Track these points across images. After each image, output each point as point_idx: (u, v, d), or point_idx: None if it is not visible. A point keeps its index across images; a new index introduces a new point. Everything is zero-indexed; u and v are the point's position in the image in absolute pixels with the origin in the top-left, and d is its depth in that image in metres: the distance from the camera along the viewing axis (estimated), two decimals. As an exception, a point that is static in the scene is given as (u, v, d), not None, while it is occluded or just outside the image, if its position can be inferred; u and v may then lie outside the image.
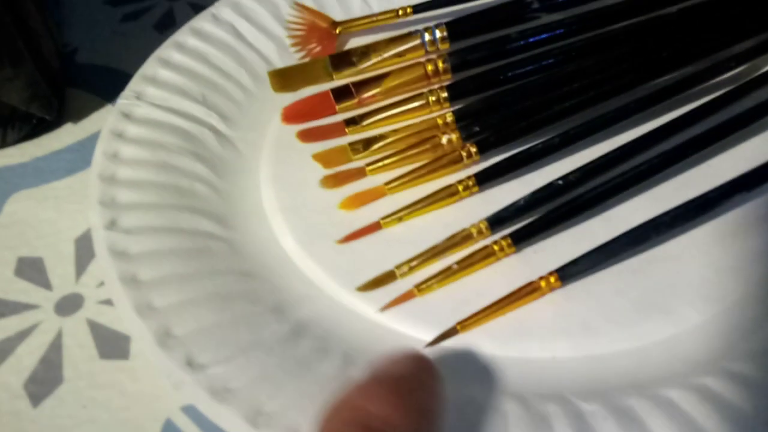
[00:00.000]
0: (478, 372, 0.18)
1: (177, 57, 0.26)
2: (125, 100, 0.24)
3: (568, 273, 0.19)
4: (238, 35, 0.27)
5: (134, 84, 0.25)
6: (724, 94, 0.23)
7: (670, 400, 0.16)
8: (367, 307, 0.20)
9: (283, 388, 0.17)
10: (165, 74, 0.25)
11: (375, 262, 0.21)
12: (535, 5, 0.26)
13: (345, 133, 0.25)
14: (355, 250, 0.21)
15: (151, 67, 0.25)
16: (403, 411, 0.12)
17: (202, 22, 0.27)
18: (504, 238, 0.20)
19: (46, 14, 0.28)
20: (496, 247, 0.20)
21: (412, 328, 0.19)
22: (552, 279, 0.19)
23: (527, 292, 0.19)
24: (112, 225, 0.20)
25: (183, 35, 0.27)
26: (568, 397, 0.16)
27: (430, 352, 0.18)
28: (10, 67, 0.24)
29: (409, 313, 0.19)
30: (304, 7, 0.29)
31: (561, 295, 0.19)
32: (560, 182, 0.21)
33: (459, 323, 0.18)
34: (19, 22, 0.24)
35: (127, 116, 0.23)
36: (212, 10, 0.28)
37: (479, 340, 0.18)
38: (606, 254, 0.19)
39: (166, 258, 0.20)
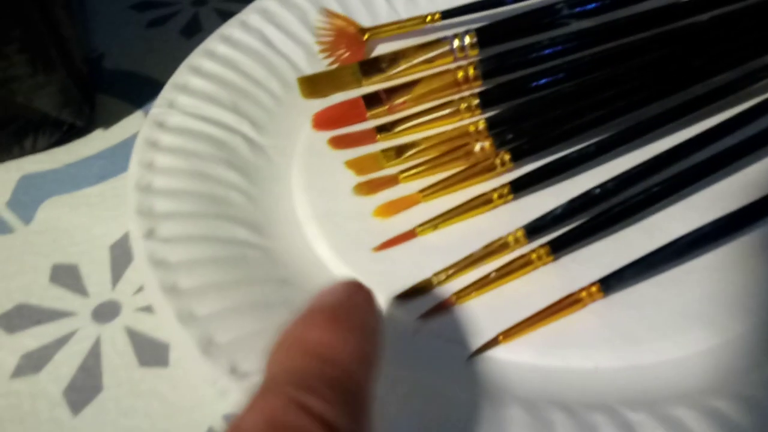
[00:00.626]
0: (520, 381, 0.18)
1: (208, 65, 0.26)
2: (158, 108, 0.24)
3: (611, 284, 0.19)
4: (267, 42, 0.27)
5: (166, 92, 0.25)
6: (761, 103, 0.23)
7: (717, 411, 0.16)
8: (405, 316, 0.20)
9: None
10: (196, 82, 0.25)
11: (411, 270, 0.21)
12: (565, 12, 0.26)
13: (376, 140, 0.25)
14: (391, 258, 0.21)
15: (182, 75, 0.25)
16: (341, 334, 0.13)
17: (231, 29, 0.27)
18: (542, 246, 0.20)
19: (74, 20, 0.28)
20: (534, 256, 0.20)
21: (452, 337, 0.19)
22: (594, 289, 0.19)
23: (569, 303, 0.19)
24: (150, 234, 0.20)
25: (213, 42, 0.27)
26: (614, 407, 0.16)
27: (471, 363, 0.18)
28: (42, 73, 0.24)
29: (447, 321, 0.19)
30: (331, 13, 0.29)
31: (602, 305, 0.19)
32: (597, 191, 0.21)
33: (501, 334, 0.18)
34: (52, 29, 0.24)
35: (160, 125, 0.24)
36: (241, 16, 0.28)
37: (520, 349, 0.18)
38: (650, 265, 0.19)
39: (204, 266, 0.20)
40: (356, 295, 0.14)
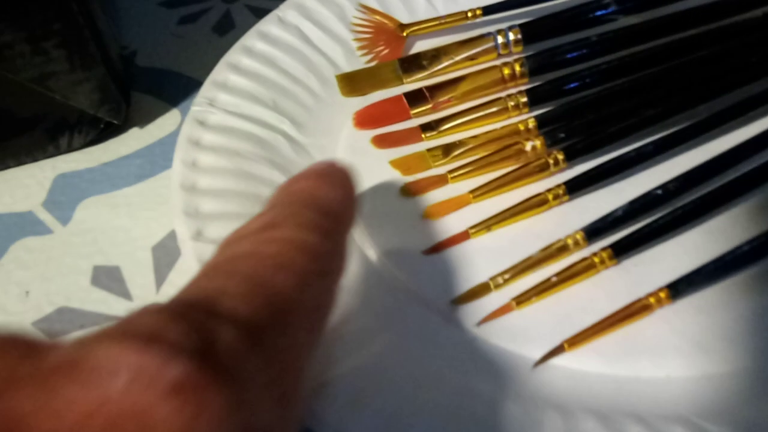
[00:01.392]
0: (589, 392, 0.17)
1: (246, 62, 0.25)
2: (198, 107, 0.23)
3: (681, 289, 0.18)
4: (305, 38, 0.27)
5: (206, 90, 0.24)
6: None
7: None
8: (462, 321, 0.19)
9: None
10: (235, 80, 0.25)
11: (466, 274, 0.20)
12: (612, 7, 0.26)
13: (421, 139, 0.24)
14: (443, 261, 0.21)
15: (221, 72, 0.25)
16: (327, 184, 0.16)
17: (268, 25, 0.27)
18: (604, 249, 0.19)
19: (108, 15, 0.28)
20: (596, 259, 0.19)
21: (513, 344, 0.18)
22: (662, 295, 0.18)
23: (637, 309, 0.18)
24: (198, 236, 0.19)
25: (251, 39, 0.26)
26: (692, 419, 0.16)
27: (536, 371, 0.17)
28: (81, 70, 0.23)
29: (508, 327, 0.19)
30: (369, 9, 0.28)
31: (670, 310, 0.18)
32: (659, 192, 0.20)
33: (566, 341, 0.18)
34: (90, 23, 0.23)
35: (201, 123, 0.23)
36: (277, 12, 0.27)
37: (587, 358, 0.18)
38: (722, 269, 0.18)
39: (254, 269, 0.19)
40: (334, 164, 0.17)
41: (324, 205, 0.15)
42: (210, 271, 0.13)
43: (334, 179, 0.17)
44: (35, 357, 0.10)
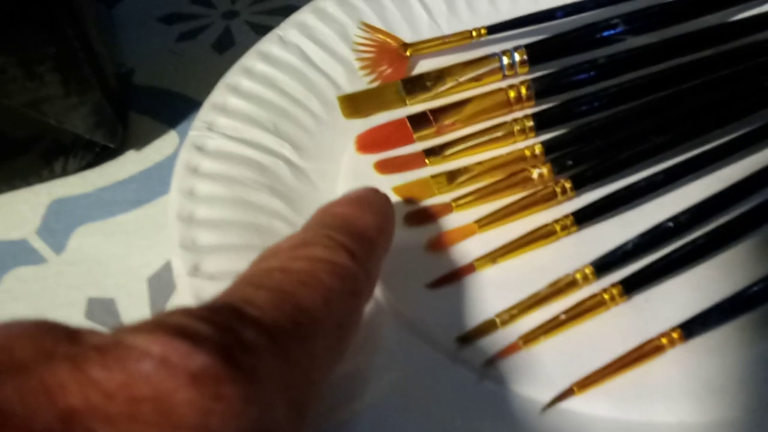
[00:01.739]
0: (599, 437, 0.16)
1: (246, 83, 0.25)
2: (197, 131, 0.23)
3: (694, 330, 0.17)
4: (306, 58, 0.26)
5: (204, 113, 0.23)
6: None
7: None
8: (467, 360, 0.18)
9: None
10: (235, 102, 0.24)
11: (470, 309, 0.19)
12: (620, 27, 0.25)
13: (425, 164, 0.24)
14: (447, 295, 0.20)
15: (220, 94, 0.24)
16: (362, 209, 0.17)
17: (268, 44, 0.26)
18: (614, 286, 0.19)
19: (104, 34, 0.27)
20: (606, 296, 0.19)
21: (520, 386, 0.18)
22: (675, 335, 0.17)
23: (649, 350, 0.17)
24: (195, 270, 0.19)
25: (250, 60, 0.25)
26: (707, 471, 0.15)
27: (544, 416, 0.17)
28: (76, 94, 0.23)
29: (515, 368, 0.18)
30: (372, 28, 0.27)
31: (682, 351, 0.18)
32: (670, 224, 0.19)
33: (576, 384, 0.17)
34: (85, 45, 0.23)
35: (200, 149, 0.22)
36: (278, 31, 0.27)
37: (597, 401, 0.17)
38: (737, 308, 0.18)
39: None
40: (374, 191, 0.18)
41: (356, 229, 0.16)
42: (240, 282, 0.14)
43: (371, 206, 0.17)
44: (74, 340, 0.11)
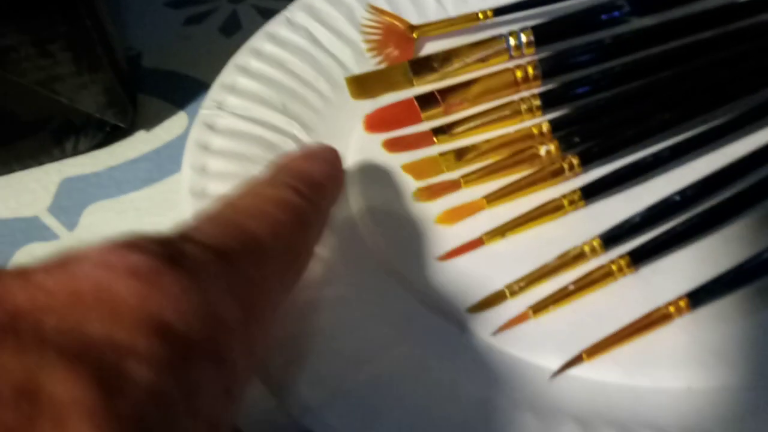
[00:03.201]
0: (608, 403, 0.17)
1: (255, 64, 0.25)
2: (207, 110, 0.23)
3: (701, 298, 0.18)
4: (314, 40, 0.26)
5: (214, 93, 0.24)
6: None
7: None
8: (477, 331, 0.19)
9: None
10: (244, 82, 0.24)
11: (480, 281, 0.20)
12: (626, 8, 0.25)
13: (433, 143, 0.24)
14: (457, 268, 0.20)
15: (229, 74, 0.24)
16: (312, 162, 0.18)
17: (277, 26, 0.26)
18: (622, 257, 0.19)
19: (114, 15, 0.27)
20: (614, 267, 0.19)
21: (530, 354, 0.18)
22: (682, 304, 0.18)
23: (657, 319, 0.18)
24: (209, 242, 0.19)
25: (259, 41, 0.26)
26: (715, 432, 0.15)
27: (554, 382, 0.17)
28: (87, 73, 0.23)
29: (524, 336, 0.18)
30: (379, 10, 0.28)
31: (689, 319, 0.18)
32: (677, 198, 0.20)
33: (585, 351, 0.17)
34: (97, 24, 0.23)
35: (210, 127, 0.23)
36: (286, 13, 0.27)
37: (606, 368, 0.17)
38: (743, 278, 0.18)
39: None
40: (323, 146, 0.20)
41: (303, 173, 0.17)
42: (189, 220, 0.15)
43: (318, 156, 0.19)
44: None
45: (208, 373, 0.11)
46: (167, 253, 0.12)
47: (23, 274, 0.11)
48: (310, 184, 0.17)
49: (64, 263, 0.11)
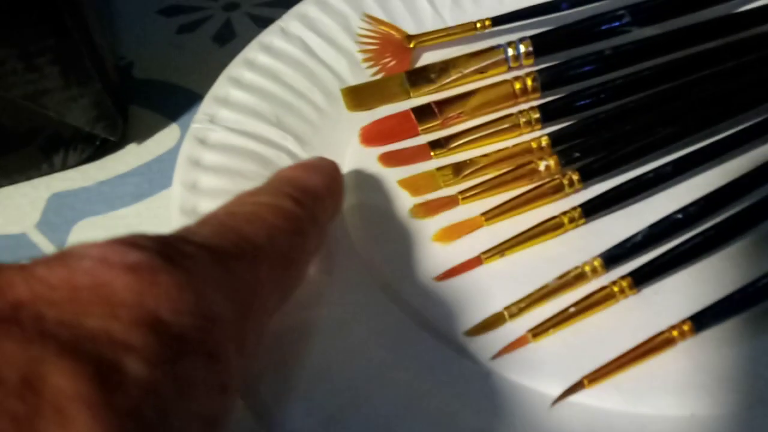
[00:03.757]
0: (610, 430, 0.16)
1: (248, 76, 0.24)
2: (198, 124, 0.23)
3: (705, 322, 0.17)
4: (309, 50, 0.26)
5: (206, 106, 0.23)
6: None
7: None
8: (475, 355, 0.18)
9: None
10: (237, 95, 0.24)
11: (478, 302, 0.19)
12: (626, 18, 0.25)
13: (430, 157, 0.23)
14: (455, 288, 0.20)
15: (222, 87, 0.24)
16: (310, 173, 0.18)
17: (270, 36, 0.26)
18: (623, 278, 0.19)
19: (104, 26, 0.27)
20: (616, 289, 0.18)
21: (530, 379, 0.17)
22: (686, 328, 0.17)
23: (659, 343, 0.17)
24: (199, 264, 0.19)
25: (252, 52, 0.25)
26: (721, 464, 0.15)
27: (554, 410, 0.17)
28: (76, 86, 0.22)
29: (524, 361, 0.18)
30: (375, 19, 0.27)
31: (693, 344, 0.17)
32: (679, 216, 0.19)
33: (586, 377, 0.17)
34: (86, 37, 0.23)
35: (202, 142, 0.22)
36: (280, 23, 0.26)
37: (608, 395, 0.17)
38: (748, 300, 0.17)
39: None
40: (322, 159, 0.20)
41: (301, 184, 0.17)
42: (186, 225, 0.15)
43: (316, 168, 0.19)
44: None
45: (202, 369, 0.11)
46: (164, 251, 0.12)
47: (25, 267, 0.11)
48: (309, 194, 0.17)
49: (64, 259, 0.12)
